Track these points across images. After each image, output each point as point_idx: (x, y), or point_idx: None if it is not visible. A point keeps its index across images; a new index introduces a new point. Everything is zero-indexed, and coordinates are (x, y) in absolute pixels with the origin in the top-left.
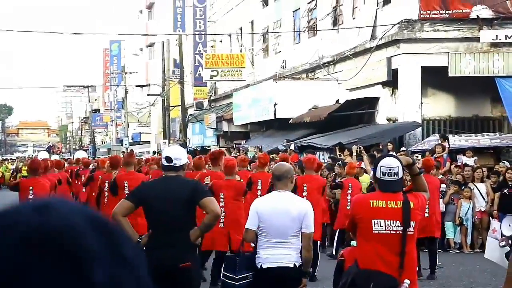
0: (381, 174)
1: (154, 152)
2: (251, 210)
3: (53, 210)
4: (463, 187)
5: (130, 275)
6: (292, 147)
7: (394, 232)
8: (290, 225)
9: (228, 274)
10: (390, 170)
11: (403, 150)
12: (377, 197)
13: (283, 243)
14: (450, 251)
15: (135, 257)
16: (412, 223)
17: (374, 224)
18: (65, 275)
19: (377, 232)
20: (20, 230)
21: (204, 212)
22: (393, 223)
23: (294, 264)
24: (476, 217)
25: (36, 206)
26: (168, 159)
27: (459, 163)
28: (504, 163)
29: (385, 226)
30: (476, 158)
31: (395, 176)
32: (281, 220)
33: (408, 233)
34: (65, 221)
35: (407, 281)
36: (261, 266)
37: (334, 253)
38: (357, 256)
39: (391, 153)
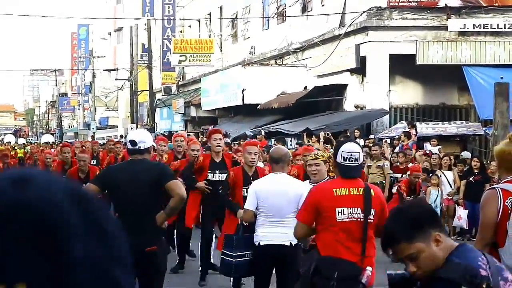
0: (342, 159)
1: (121, 136)
2: (249, 191)
3: (32, 183)
4: (431, 174)
5: (109, 249)
6: (263, 133)
7: (356, 219)
8: (287, 206)
9: (226, 252)
10: (351, 155)
11: (370, 138)
12: (339, 185)
13: (280, 222)
14: None
15: (115, 232)
16: (373, 211)
17: (338, 212)
18: (42, 250)
19: (341, 220)
20: None
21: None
22: (355, 211)
23: (291, 243)
24: (443, 204)
25: (14, 178)
26: (133, 142)
27: (426, 151)
28: (466, 153)
29: (348, 214)
30: (440, 146)
31: (356, 162)
32: (278, 200)
33: (369, 220)
34: (44, 194)
35: (369, 268)
36: (259, 243)
37: None
38: (318, 244)
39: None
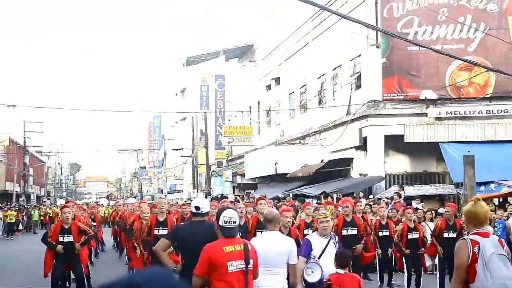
0: (224, 222)
1: (188, 199)
2: None
3: None
4: None
5: None
6: (291, 195)
7: (241, 269)
8: (280, 259)
9: None
10: (230, 219)
11: (370, 197)
12: (226, 244)
13: (275, 271)
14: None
15: None
16: (251, 261)
17: (229, 265)
18: None
19: (232, 271)
20: None
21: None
22: (240, 262)
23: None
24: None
25: (129, 283)
26: (197, 207)
27: (413, 207)
28: (442, 209)
29: (236, 265)
30: (423, 203)
31: (234, 224)
32: (271, 254)
33: (249, 268)
34: None
35: None
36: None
37: None
38: None
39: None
